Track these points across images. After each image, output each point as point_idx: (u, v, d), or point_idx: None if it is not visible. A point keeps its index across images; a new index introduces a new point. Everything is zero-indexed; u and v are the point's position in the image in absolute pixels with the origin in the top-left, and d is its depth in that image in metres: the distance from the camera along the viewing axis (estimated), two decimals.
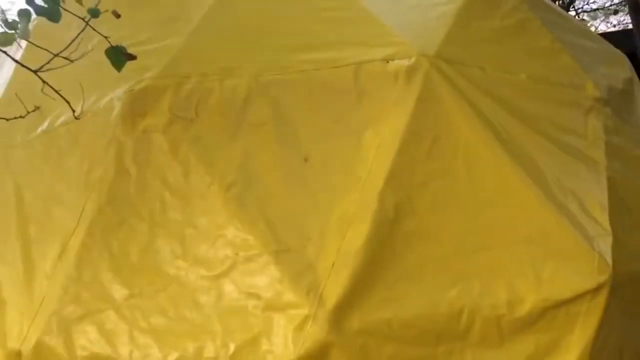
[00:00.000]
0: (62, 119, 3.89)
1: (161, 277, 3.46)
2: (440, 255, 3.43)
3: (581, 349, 3.43)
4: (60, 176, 3.85)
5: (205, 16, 4.07)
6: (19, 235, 3.82)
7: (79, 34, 3.04)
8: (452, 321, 3.34)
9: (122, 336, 3.39)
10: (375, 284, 3.31)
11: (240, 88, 3.72)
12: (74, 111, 3.31)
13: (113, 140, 3.69)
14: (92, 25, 3.07)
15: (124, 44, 3.15)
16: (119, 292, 3.47)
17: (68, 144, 3.88)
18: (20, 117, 3.46)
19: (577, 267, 3.49)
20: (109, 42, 3.09)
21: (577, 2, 18.94)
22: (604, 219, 3.70)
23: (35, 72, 2.89)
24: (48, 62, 2.91)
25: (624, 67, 5.10)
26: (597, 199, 3.79)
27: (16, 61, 3.03)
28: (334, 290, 3.24)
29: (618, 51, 5.26)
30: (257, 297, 3.31)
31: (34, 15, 3.09)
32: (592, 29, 19.17)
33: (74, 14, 3.11)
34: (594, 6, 19.54)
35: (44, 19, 3.14)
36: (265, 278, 3.33)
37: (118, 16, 3.09)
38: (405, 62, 3.73)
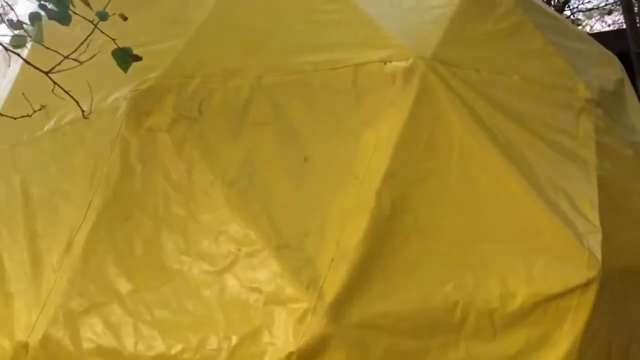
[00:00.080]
0: (68, 117, 3.93)
1: (165, 271, 3.50)
2: (435, 251, 3.48)
3: (571, 343, 3.49)
4: (67, 173, 3.88)
5: (207, 18, 4.12)
6: (27, 231, 3.86)
7: (88, 36, 3.07)
8: (447, 314, 3.39)
9: (127, 328, 3.43)
10: (373, 278, 3.36)
11: (242, 89, 3.77)
12: (83, 111, 3.35)
13: (119, 138, 3.73)
14: (98, 27, 3.06)
15: (128, 45, 3.14)
16: (124, 285, 3.51)
17: (74, 141, 3.92)
18: (27, 115, 3.45)
19: (568, 263, 3.54)
20: (116, 44, 3.09)
21: (572, 2, 18.96)
22: (594, 216, 3.76)
23: (46, 73, 2.94)
24: (59, 64, 2.96)
25: (615, 68, 5.14)
26: (588, 197, 3.84)
27: (28, 62, 3.08)
28: (333, 284, 3.29)
29: (609, 52, 5.29)
30: (259, 291, 3.35)
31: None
32: (588, 28, 19.19)
33: (82, 17, 3.13)
34: (589, 6, 19.55)
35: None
36: (266, 273, 3.37)
37: (125, 19, 3.08)
38: (402, 64, 3.79)
